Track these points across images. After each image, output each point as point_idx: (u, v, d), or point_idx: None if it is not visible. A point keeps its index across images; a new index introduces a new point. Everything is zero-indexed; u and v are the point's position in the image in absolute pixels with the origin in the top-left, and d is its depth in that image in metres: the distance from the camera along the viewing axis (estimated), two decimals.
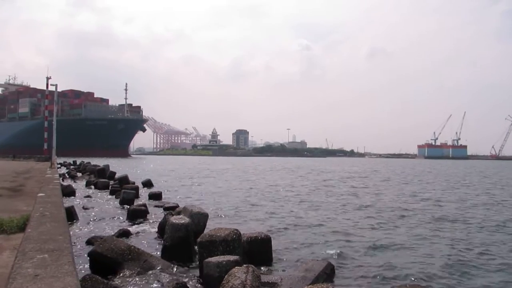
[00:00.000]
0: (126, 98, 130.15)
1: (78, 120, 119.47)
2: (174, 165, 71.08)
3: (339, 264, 8.01)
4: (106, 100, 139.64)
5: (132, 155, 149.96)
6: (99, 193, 20.04)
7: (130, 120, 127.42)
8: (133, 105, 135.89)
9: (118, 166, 50.47)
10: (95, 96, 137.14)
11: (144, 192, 20.29)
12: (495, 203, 19.82)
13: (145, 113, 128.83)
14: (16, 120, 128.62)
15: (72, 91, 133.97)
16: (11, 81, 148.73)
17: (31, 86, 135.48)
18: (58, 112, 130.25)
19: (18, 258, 3.79)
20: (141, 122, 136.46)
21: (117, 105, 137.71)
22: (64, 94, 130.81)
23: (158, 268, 6.96)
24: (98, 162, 43.71)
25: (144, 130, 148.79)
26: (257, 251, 7.59)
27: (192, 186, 27.68)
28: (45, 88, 38.68)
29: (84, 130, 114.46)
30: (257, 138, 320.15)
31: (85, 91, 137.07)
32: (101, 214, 13.73)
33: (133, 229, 10.84)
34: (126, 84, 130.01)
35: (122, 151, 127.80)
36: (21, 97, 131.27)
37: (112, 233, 9.88)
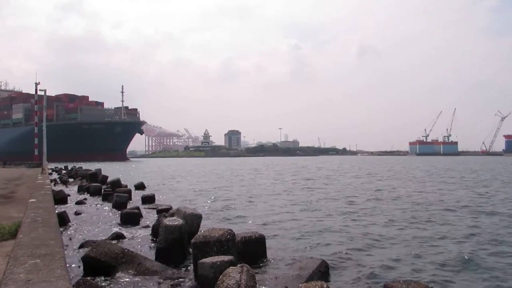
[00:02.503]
0: (122, 101, 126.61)
1: (74, 124, 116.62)
2: (173, 167, 70.89)
3: (333, 262, 8.04)
4: (101, 104, 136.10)
5: (130, 159, 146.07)
6: (91, 198, 19.89)
7: (128, 123, 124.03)
8: (129, 107, 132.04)
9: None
10: (89, 99, 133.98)
11: (137, 195, 20.18)
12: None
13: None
14: (10, 126, 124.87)
15: (66, 95, 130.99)
16: (2, 87, 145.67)
17: (24, 92, 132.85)
18: (53, 116, 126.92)
19: (10, 264, 3.77)
20: (139, 124, 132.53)
21: (112, 108, 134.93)
22: (58, 98, 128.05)
23: (152, 270, 6.94)
24: (97, 167, 42.49)
25: (142, 132, 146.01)
26: (251, 250, 7.60)
27: (185, 187, 27.60)
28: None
29: (80, 135, 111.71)
30: (249, 139, 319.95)
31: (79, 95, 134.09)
32: (94, 218, 13.64)
33: (126, 232, 10.78)
34: (122, 86, 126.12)
35: (120, 155, 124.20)
36: (14, 103, 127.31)
37: (106, 237, 9.82)
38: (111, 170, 51.00)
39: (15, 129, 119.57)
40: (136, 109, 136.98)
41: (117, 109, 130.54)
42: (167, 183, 32.83)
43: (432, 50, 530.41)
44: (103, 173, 31.31)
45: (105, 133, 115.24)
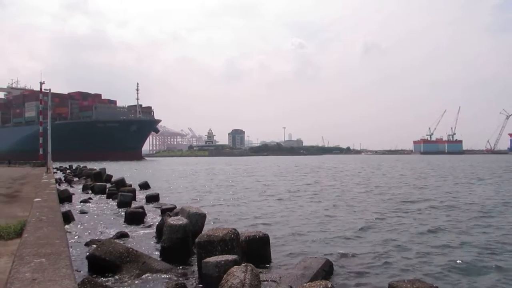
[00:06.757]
0: (138, 99, 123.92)
1: (89, 122, 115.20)
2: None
3: (337, 261, 8.03)
4: (114, 102, 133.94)
5: (146, 158, 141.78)
6: (96, 197, 19.97)
7: (143, 121, 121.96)
8: (142, 105, 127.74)
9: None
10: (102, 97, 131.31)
11: (141, 194, 20.24)
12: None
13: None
14: (23, 124, 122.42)
15: (79, 93, 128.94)
16: (13, 85, 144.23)
17: (35, 90, 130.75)
18: (68, 114, 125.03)
19: (16, 263, 3.78)
20: (154, 123, 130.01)
21: (126, 106, 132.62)
22: (71, 96, 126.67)
23: (156, 269, 6.96)
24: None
25: (157, 131, 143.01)
26: (256, 250, 7.59)
27: (189, 186, 27.63)
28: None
29: (95, 133, 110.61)
30: (253, 138, 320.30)
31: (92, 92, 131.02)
32: (99, 217, 13.70)
33: (131, 231, 10.81)
34: (138, 84, 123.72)
35: (136, 154, 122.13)
36: (27, 101, 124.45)
37: (110, 236, 9.85)
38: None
39: (28, 127, 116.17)
40: (150, 107, 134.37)
41: (130, 107, 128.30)
42: (171, 182, 32.88)
43: (436, 47, 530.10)
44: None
45: (120, 132, 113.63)
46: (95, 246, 7.70)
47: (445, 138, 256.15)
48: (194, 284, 6.52)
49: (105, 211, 15.25)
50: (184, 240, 7.92)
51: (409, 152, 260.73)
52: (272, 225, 12.34)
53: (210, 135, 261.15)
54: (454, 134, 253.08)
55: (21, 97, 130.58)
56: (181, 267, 7.41)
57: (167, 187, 27.56)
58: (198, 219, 9.61)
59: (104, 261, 6.83)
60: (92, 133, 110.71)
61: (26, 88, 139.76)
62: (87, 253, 7.44)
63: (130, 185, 21.97)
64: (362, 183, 29.98)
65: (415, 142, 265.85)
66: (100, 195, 20.42)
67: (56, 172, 38.49)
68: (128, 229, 11.23)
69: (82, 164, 59.15)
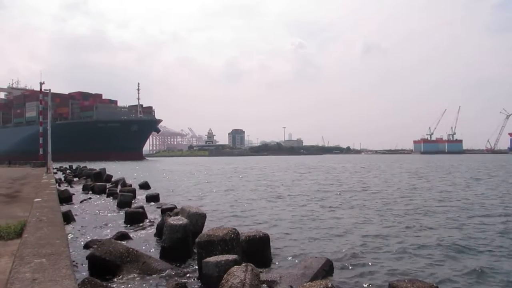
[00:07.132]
0: (138, 99, 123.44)
1: (90, 122, 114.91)
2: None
3: (338, 261, 8.02)
4: (115, 102, 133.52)
5: (147, 158, 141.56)
6: (96, 197, 19.95)
7: (144, 121, 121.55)
8: (143, 105, 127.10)
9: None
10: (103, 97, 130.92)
11: (141, 194, 20.23)
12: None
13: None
14: (23, 125, 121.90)
15: (80, 93, 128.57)
16: (14, 85, 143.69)
17: (36, 90, 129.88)
18: (68, 115, 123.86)
19: (16, 263, 3.79)
20: (155, 123, 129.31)
21: (127, 106, 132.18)
22: (72, 96, 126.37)
23: (157, 269, 6.96)
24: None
25: (158, 131, 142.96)
26: (256, 249, 7.58)
27: (189, 186, 27.63)
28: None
29: (96, 133, 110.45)
30: (253, 137, 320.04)
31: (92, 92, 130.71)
32: (99, 217, 13.69)
33: (131, 231, 10.81)
34: (138, 84, 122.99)
35: (137, 154, 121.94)
36: (27, 101, 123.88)
37: (110, 236, 9.84)
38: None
39: (28, 127, 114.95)
40: (151, 107, 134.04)
41: (131, 107, 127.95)
42: (171, 182, 32.88)
43: (436, 47, 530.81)
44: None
45: (121, 132, 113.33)
46: (95, 246, 7.70)
47: (445, 138, 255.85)
48: (194, 284, 6.52)
49: (105, 211, 15.24)
50: (184, 240, 7.92)
51: (409, 152, 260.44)
52: (272, 225, 12.34)
53: (210, 135, 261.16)
54: (454, 133, 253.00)
55: (21, 98, 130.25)
56: (181, 267, 7.40)
57: (167, 187, 27.53)
58: (198, 219, 9.61)
59: (104, 261, 6.83)
60: (93, 133, 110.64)
61: (27, 88, 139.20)
62: (88, 253, 7.44)
63: (130, 185, 21.97)
64: (361, 182, 29.98)
65: (415, 142, 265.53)
66: (100, 195, 20.41)
67: (56, 173, 38.49)
68: (128, 229, 11.22)
69: (82, 164, 59.08)
